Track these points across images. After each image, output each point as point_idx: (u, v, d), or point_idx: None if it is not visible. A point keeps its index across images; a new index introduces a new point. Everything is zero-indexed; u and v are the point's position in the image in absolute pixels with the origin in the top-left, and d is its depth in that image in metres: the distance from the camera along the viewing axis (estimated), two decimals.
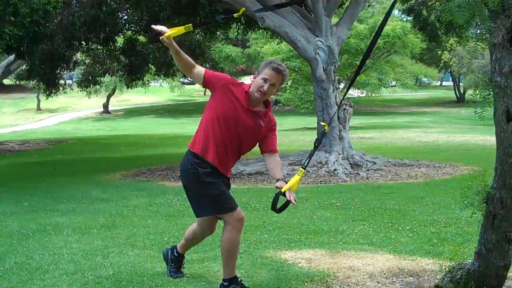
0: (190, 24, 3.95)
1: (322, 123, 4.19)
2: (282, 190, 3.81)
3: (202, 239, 4.46)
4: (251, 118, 3.98)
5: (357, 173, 10.54)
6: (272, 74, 3.93)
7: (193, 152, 3.99)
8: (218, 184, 3.96)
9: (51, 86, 18.21)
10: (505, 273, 3.45)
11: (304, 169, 4.00)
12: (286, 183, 3.87)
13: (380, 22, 4.04)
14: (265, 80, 3.93)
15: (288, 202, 3.84)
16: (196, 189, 3.98)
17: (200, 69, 4.02)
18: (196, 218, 4.26)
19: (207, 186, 3.92)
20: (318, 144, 4.20)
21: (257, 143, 4.11)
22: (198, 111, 36.64)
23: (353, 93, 42.15)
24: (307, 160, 4.09)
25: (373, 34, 4.16)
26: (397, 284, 4.16)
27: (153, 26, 3.83)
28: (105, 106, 47.36)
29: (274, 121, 4.16)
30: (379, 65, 30.35)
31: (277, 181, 3.93)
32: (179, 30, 3.87)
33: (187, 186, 4.07)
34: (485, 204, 3.33)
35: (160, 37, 3.80)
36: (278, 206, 3.92)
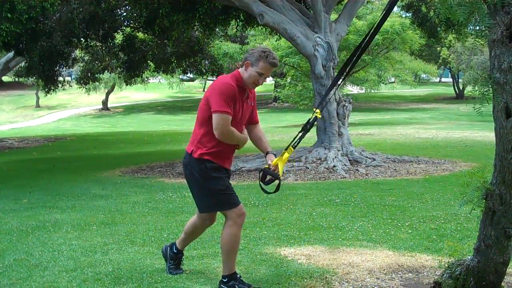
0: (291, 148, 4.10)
1: (314, 109, 4.20)
2: (273, 163, 4.03)
3: (203, 231, 4.45)
4: (248, 106, 4.09)
5: (356, 170, 10.55)
6: (268, 68, 3.96)
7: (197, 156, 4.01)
8: (224, 179, 4.01)
9: (50, 83, 18.23)
10: (504, 269, 3.45)
11: (294, 148, 4.12)
12: (276, 156, 4.08)
13: (379, 17, 4.03)
14: (260, 74, 3.96)
15: (279, 185, 4.07)
16: (201, 184, 3.99)
17: (230, 119, 3.91)
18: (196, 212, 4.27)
19: (213, 181, 3.96)
20: (310, 127, 4.21)
21: None
22: (197, 108, 36.24)
23: (352, 89, 42.17)
24: (298, 141, 4.16)
25: (371, 29, 4.15)
26: (396, 280, 4.16)
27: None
28: (104, 103, 47.34)
29: (254, 92, 4.23)
30: (378, 61, 30.29)
31: (267, 154, 4.13)
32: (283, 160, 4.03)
33: (191, 180, 4.06)
34: (484, 200, 3.33)
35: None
36: (270, 187, 4.10)
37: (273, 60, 3.94)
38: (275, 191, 4.09)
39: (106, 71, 23.27)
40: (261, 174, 4.09)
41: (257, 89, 4.23)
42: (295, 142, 4.14)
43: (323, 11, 11.71)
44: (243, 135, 4.06)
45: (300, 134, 4.19)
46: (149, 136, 24.89)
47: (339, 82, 4.51)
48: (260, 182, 4.09)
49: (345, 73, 4.49)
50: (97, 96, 46.43)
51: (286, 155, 4.04)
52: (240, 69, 4.02)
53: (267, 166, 4.05)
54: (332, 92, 4.60)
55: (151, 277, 4.31)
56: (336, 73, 11.96)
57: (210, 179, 3.95)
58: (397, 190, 8.33)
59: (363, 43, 4.25)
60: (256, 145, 4.28)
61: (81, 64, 22.65)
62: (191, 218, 4.41)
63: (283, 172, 9.13)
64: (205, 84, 53.58)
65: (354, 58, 4.33)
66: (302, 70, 28.04)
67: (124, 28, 17.92)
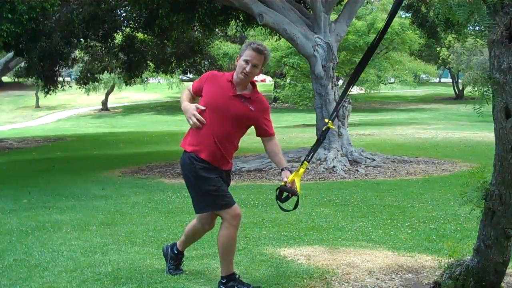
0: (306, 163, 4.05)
1: (326, 120, 4.18)
2: (289, 180, 3.91)
3: (202, 234, 4.46)
4: (239, 104, 3.98)
5: (356, 170, 10.55)
6: (253, 55, 3.94)
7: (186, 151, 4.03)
8: (214, 179, 3.96)
9: (49, 83, 18.25)
10: (504, 269, 3.45)
11: (308, 162, 4.05)
12: (291, 172, 3.97)
13: (381, 19, 4.04)
14: (246, 61, 3.94)
15: (298, 201, 3.99)
16: (193, 184, 4.00)
17: (189, 89, 4.19)
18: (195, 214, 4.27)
19: (203, 181, 3.94)
20: (323, 138, 4.21)
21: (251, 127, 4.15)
22: None
23: (352, 90, 42.09)
24: (312, 154, 4.12)
25: (377, 34, 4.15)
26: (396, 280, 4.16)
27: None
28: (104, 103, 47.33)
29: (266, 104, 4.16)
30: (378, 61, 30.32)
31: (282, 170, 4.02)
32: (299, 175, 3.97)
33: (186, 180, 4.09)
34: (484, 201, 3.33)
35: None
36: (288, 205, 4.02)
37: (256, 46, 3.95)
38: (294, 208, 4.03)
39: (105, 72, 23.27)
40: (277, 192, 4.01)
41: None
42: (310, 156, 4.11)
43: (322, 11, 11.71)
44: (187, 103, 4.03)
45: (314, 147, 4.18)
46: (149, 136, 24.89)
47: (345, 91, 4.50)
48: (277, 201, 4.02)
49: (353, 83, 4.47)
50: (96, 96, 46.40)
51: (301, 170, 3.97)
52: None
53: (283, 183, 3.95)
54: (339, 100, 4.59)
55: (151, 278, 4.31)
56: (336, 74, 12.00)
57: (199, 179, 3.94)
58: (397, 191, 8.34)
59: (370, 50, 4.22)
60: (271, 159, 4.25)
61: (81, 65, 22.65)
62: (191, 221, 4.41)
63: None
64: None
65: (357, 65, 4.32)
66: (302, 70, 28.07)
67: (124, 28, 17.92)
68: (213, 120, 3.93)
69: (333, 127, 4.33)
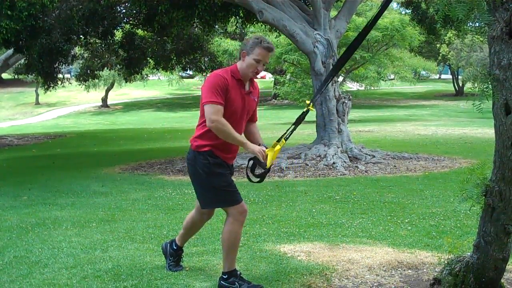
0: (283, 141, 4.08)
1: (307, 102, 4.21)
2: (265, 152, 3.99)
3: (201, 226, 4.46)
4: (250, 99, 4.07)
5: (356, 166, 10.54)
6: (264, 54, 3.94)
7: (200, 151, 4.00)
8: (226, 175, 4.00)
9: (49, 80, 18.22)
10: (503, 265, 3.46)
11: (285, 141, 4.10)
12: (267, 148, 4.03)
13: (381, 16, 4.02)
14: (258, 61, 3.93)
15: (266, 172, 4.03)
16: (203, 179, 3.98)
17: (220, 109, 3.85)
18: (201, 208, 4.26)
19: (216, 177, 3.94)
20: (302, 118, 4.18)
21: None
22: (197, 105, 36.78)
23: (352, 86, 42.17)
24: (290, 133, 4.15)
25: (366, 24, 4.16)
26: (396, 277, 4.17)
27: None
28: (104, 100, 47.31)
29: (258, 89, 4.23)
30: (377, 58, 30.26)
31: (259, 145, 4.08)
32: (274, 152, 4.00)
33: (195, 176, 4.05)
34: (483, 197, 3.33)
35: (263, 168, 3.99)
36: (257, 173, 4.09)
37: (267, 44, 3.94)
38: (259, 181, 4.08)
39: (105, 68, 23.27)
40: (249, 163, 4.07)
41: None
42: (288, 135, 4.15)
43: (322, 8, 11.69)
44: (240, 136, 3.96)
45: (293, 126, 4.18)
46: (149, 133, 24.89)
47: (331, 78, 4.51)
48: (247, 171, 4.07)
49: (335, 72, 4.49)
50: (96, 93, 46.42)
51: (278, 147, 4.01)
52: (238, 62, 4.02)
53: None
54: (324, 87, 4.60)
55: (151, 274, 4.31)
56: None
57: (213, 175, 3.94)
58: (397, 187, 8.34)
59: (357, 40, 4.23)
60: (248, 138, 4.17)
61: (81, 61, 22.64)
62: (189, 213, 4.42)
63: (283, 169, 9.16)
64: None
65: (344, 57, 4.33)
66: (302, 67, 28.01)
67: (124, 25, 17.91)
68: (231, 120, 3.91)
69: (313, 109, 4.32)
